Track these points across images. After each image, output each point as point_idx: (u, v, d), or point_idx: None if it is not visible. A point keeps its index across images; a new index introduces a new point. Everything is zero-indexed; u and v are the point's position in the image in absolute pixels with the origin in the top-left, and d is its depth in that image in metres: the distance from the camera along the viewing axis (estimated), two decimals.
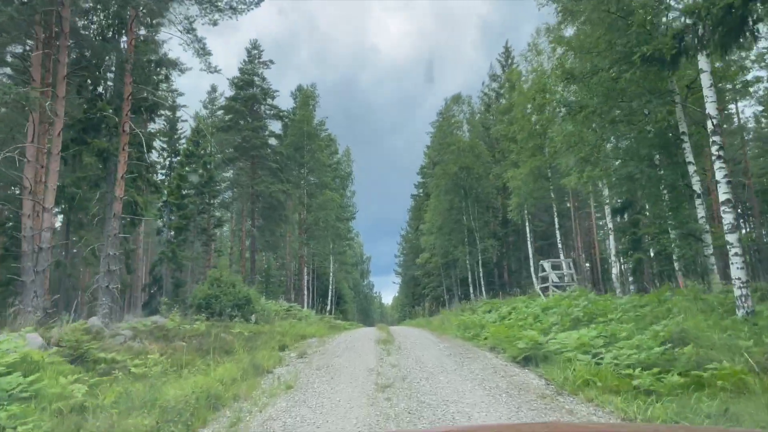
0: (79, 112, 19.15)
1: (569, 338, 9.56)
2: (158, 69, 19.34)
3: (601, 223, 55.45)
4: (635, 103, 13.28)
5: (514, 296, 28.77)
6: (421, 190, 56.31)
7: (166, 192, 38.41)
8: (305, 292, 33.90)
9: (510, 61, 39.18)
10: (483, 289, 33.52)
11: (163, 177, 40.67)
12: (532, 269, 30.86)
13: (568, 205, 36.52)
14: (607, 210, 21.86)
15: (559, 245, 26.61)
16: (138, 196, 23.34)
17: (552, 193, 26.54)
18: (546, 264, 22.45)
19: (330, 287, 53.27)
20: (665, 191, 15.14)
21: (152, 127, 37.98)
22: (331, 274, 53.11)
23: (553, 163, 25.02)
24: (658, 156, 15.42)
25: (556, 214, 26.69)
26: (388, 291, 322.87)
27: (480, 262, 34.01)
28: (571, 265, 23.24)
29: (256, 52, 33.35)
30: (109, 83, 18.69)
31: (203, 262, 42.73)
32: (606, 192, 21.32)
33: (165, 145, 39.79)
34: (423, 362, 10.06)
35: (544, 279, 22.71)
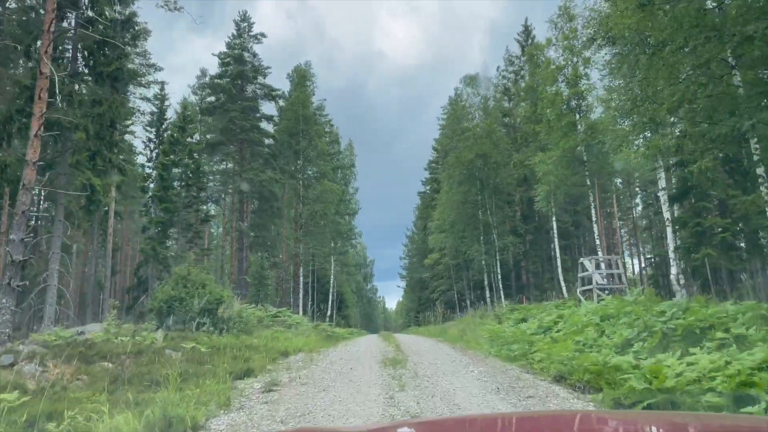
0: None
1: (701, 364, 5.81)
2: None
3: (620, 222, 51.50)
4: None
5: (543, 301, 24.88)
6: (428, 187, 52.42)
7: (151, 186, 34.88)
8: (300, 296, 29.99)
9: (531, 40, 35.25)
10: (501, 292, 29.51)
11: (150, 171, 37.04)
12: (559, 270, 26.87)
13: (591, 199, 32.59)
14: (663, 197, 17.86)
15: (597, 240, 22.59)
16: (96, 179, 19.59)
17: (588, 179, 22.56)
18: (588, 262, 18.48)
19: (330, 290, 49.37)
20: None
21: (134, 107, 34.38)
22: (331, 276, 49.23)
23: (591, 143, 21.07)
24: None
25: (594, 203, 22.68)
26: (392, 296, 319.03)
27: (498, 262, 30.02)
28: (619, 263, 19.25)
29: (245, 24, 29.60)
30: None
31: (192, 261, 39.01)
32: (661, 177, 17.37)
33: (152, 136, 36.15)
34: (459, 404, 6.16)
35: (586, 280, 18.72)
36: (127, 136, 32.98)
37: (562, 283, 26.64)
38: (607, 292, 16.89)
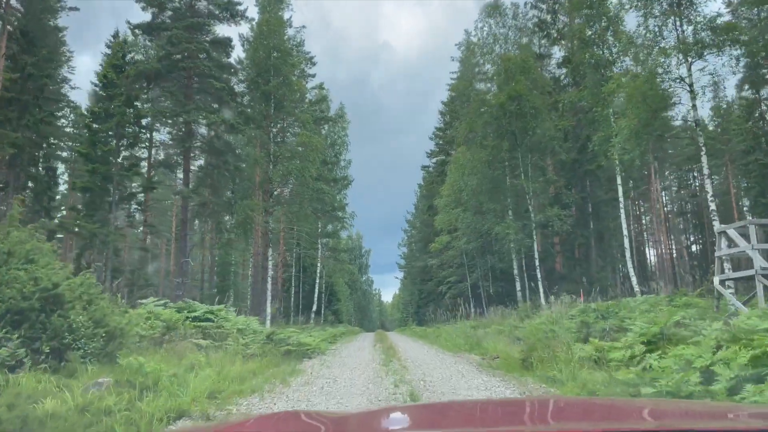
0: None
1: None
2: None
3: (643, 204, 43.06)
4: None
5: (610, 298, 17.26)
6: (433, 160, 44.50)
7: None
8: (268, 286, 22.19)
9: None
10: (540, 284, 21.70)
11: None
12: (627, 255, 19.09)
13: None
14: None
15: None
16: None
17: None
18: (733, 233, 10.63)
19: (317, 281, 41.50)
20: None
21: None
22: (318, 264, 41.35)
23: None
24: None
25: (703, 149, 14.79)
26: (388, 289, 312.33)
27: (535, 243, 22.16)
28: None
29: None
30: None
31: (135, 239, 31.02)
32: None
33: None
34: None
35: (730, 263, 10.91)
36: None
37: (631, 272, 18.88)
38: None
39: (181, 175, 23.62)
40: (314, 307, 40.47)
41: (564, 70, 27.69)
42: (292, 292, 46.10)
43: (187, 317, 11.67)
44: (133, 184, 25.41)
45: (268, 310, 21.99)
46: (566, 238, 25.33)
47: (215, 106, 20.40)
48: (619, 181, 19.26)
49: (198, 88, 20.81)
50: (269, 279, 22.38)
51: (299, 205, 23.28)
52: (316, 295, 41.00)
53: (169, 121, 20.76)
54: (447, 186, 32.55)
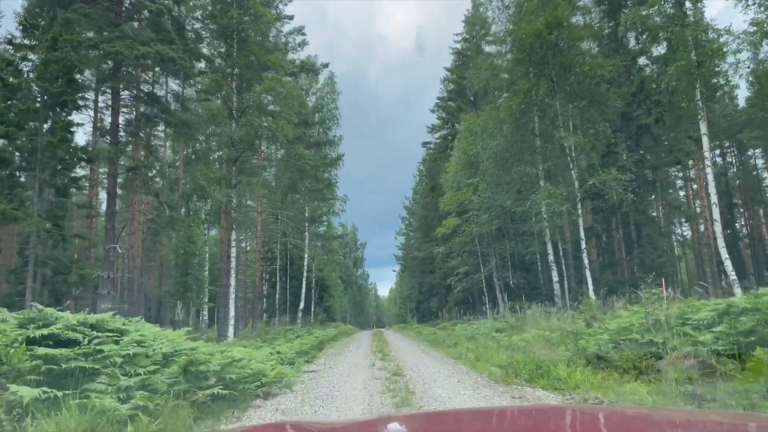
0: None
1: None
2: None
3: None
4: None
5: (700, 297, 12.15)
6: (436, 135, 38.98)
7: None
8: (231, 280, 16.82)
9: None
10: (588, 276, 16.38)
11: None
12: (718, 235, 13.79)
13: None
14: None
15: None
16: None
17: None
18: None
19: (305, 274, 36.03)
20: None
21: None
22: (306, 255, 35.86)
23: None
24: None
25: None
26: (384, 283, 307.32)
27: (581, 219, 16.79)
28: None
29: None
30: None
31: (80, 225, 25.43)
32: None
33: None
34: None
35: None
36: None
37: (725, 259, 13.61)
38: None
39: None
40: (301, 305, 35.08)
41: None
42: (278, 287, 40.73)
43: (30, 337, 6.31)
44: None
45: (231, 312, 16.60)
46: (614, 213, 19.90)
47: (152, 35, 14.89)
48: (704, 129, 13.98)
49: (126, 12, 15.28)
50: (232, 272, 16.98)
51: (277, 178, 17.87)
52: (303, 291, 35.59)
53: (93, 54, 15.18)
54: (455, 160, 27.28)
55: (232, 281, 16.99)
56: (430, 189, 37.31)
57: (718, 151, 33.26)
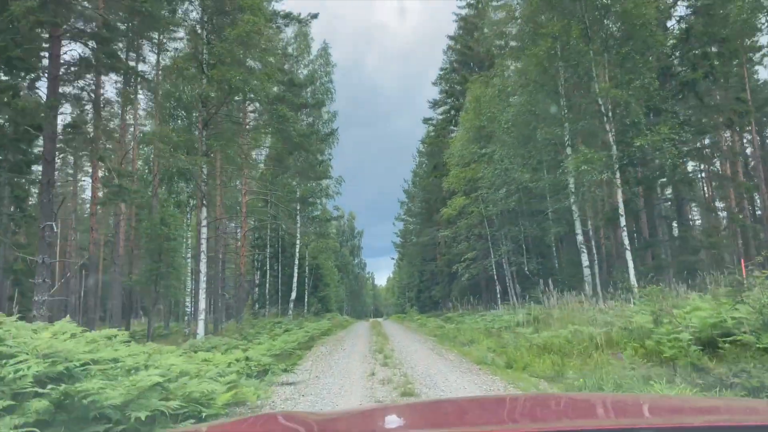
0: None
1: None
2: None
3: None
4: None
5: None
6: (439, 111, 35.99)
7: None
8: (202, 267, 14.01)
9: None
10: (630, 257, 13.62)
11: None
12: None
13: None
14: None
15: None
16: None
17: None
18: None
19: (296, 261, 33.22)
20: None
21: None
22: (298, 242, 33.03)
23: None
24: None
25: None
26: (381, 272, 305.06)
27: (619, 191, 13.96)
28: None
29: None
30: None
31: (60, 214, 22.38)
32: None
33: None
34: None
35: None
36: None
37: None
38: None
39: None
40: (293, 295, 32.35)
41: None
42: (269, 276, 37.94)
43: None
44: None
45: (201, 305, 13.81)
46: (653, 185, 16.99)
47: None
48: None
49: None
50: (203, 256, 14.17)
51: (256, 141, 15.03)
52: (295, 279, 32.77)
53: None
54: (461, 134, 24.47)
55: (203, 267, 14.16)
56: (432, 169, 34.43)
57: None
